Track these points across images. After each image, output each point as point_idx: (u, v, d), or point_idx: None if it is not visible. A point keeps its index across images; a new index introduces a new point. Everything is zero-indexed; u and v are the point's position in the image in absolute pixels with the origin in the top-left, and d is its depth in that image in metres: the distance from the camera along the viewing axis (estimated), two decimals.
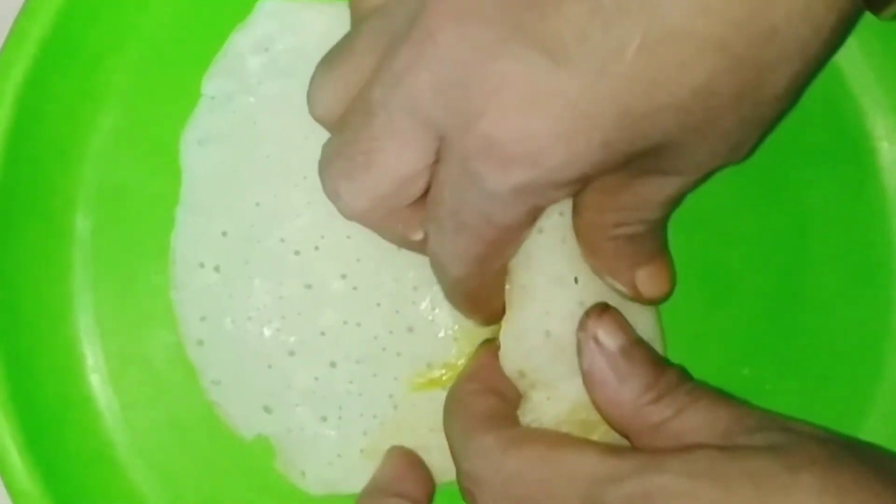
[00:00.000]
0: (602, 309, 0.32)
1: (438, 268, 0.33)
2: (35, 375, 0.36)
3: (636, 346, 0.32)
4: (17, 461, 0.35)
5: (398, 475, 0.35)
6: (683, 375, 0.32)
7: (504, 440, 0.31)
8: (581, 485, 0.29)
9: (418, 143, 0.30)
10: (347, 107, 0.32)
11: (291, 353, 0.37)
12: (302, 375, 0.37)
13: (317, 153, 0.36)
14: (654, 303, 0.34)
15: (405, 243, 0.34)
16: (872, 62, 0.38)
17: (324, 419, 0.37)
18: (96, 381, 0.37)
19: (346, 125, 0.32)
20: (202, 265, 0.37)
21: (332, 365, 0.37)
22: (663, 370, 0.32)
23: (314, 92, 0.33)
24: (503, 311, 0.33)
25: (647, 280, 0.33)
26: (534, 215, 0.31)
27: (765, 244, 0.38)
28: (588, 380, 0.32)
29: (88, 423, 0.37)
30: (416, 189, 0.31)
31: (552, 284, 0.33)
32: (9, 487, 0.35)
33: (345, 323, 0.36)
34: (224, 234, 0.37)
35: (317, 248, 0.37)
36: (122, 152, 0.38)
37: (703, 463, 0.28)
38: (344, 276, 0.36)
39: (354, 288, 0.36)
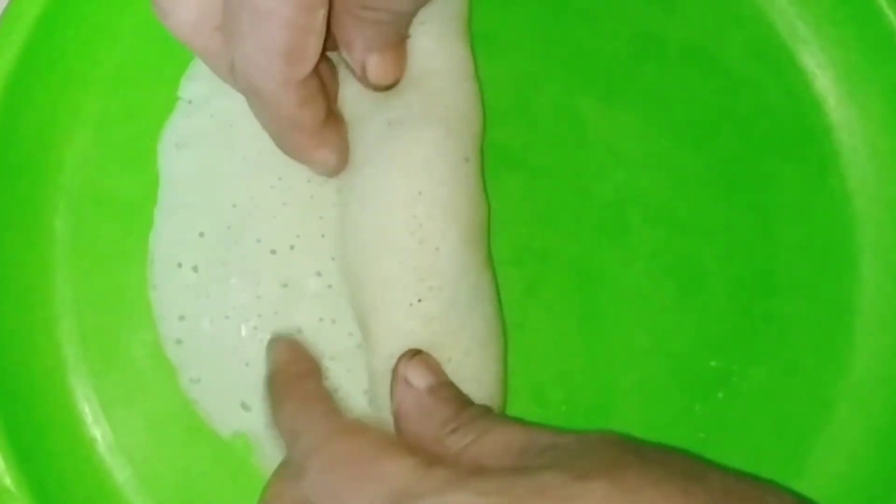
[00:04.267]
0: (413, 353, 0.34)
1: (251, 91, 0.33)
2: (16, 374, 0.37)
3: (443, 386, 0.33)
4: None
5: (293, 358, 0.36)
6: (485, 410, 0.33)
7: (339, 425, 0.32)
8: (386, 494, 0.30)
9: None
10: None
11: None
12: None
13: None
14: (377, 89, 0.35)
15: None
16: (832, 57, 0.39)
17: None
18: (77, 379, 0.38)
19: None
20: (180, 265, 0.38)
21: None
22: (465, 406, 0.33)
23: None
24: (343, 159, 0.35)
25: (377, 65, 0.34)
26: None
27: (731, 237, 0.38)
28: (396, 416, 0.33)
29: (69, 420, 0.38)
30: None
31: None
32: None
33: (320, 320, 0.37)
34: (201, 234, 0.38)
35: (292, 247, 0.37)
36: (101, 155, 0.38)
37: (495, 483, 0.29)
38: (319, 274, 0.37)
39: (329, 286, 0.37)
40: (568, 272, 0.38)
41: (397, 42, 0.35)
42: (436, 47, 0.36)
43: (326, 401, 0.34)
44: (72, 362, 0.38)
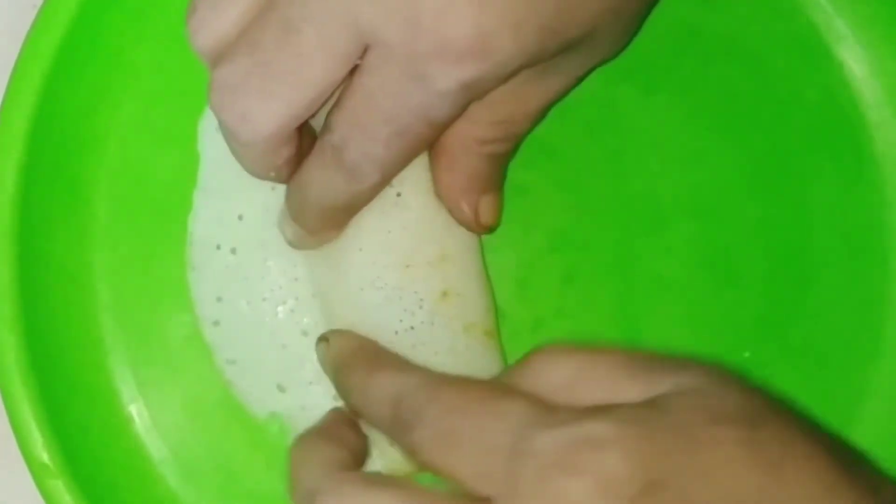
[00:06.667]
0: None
1: (349, 180, 0.32)
2: (55, 354, 0.37)
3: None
4: (36, 436, 0.36)
5: (336, 426, 0.34)
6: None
7: (447, 378, 0.30)
8: (507, 429, 0.27)
9: (345, 55, 0.30)
10: (244, 30, 0.31)
11: (305, 333, 0.38)
12: (315, 355, 0.37)
13: None
14: (483, 232, 0.35)
15: (272, 170, 0.34)
16: (869, 54, 0.39)
17: (336, 397, 0.37)
18: (114, 358, 0.38)
19: (256, 47, 0.31)
20: (219, 247, 0.38)
21: None
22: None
23: (200, 20, 0.32)
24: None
25: (488, 207, 0.34)
26: (466, 108, 0.32)
27: (766, 230, 0.39)
28: None
29: (106, 399, 0.38)
30: (323, 102, 0.31)
31: None
32: (28, 461, 0.36)
33: None
34: (240, 217, 0.38)
35: None
36: (142, 137, 0.39)
37: (631, 413, 0.27)
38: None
39: None
40: (604, 261, 0.38)
41: (501, 182, 0.35)
42: None
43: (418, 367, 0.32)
44: (109, 341, 0.38)
